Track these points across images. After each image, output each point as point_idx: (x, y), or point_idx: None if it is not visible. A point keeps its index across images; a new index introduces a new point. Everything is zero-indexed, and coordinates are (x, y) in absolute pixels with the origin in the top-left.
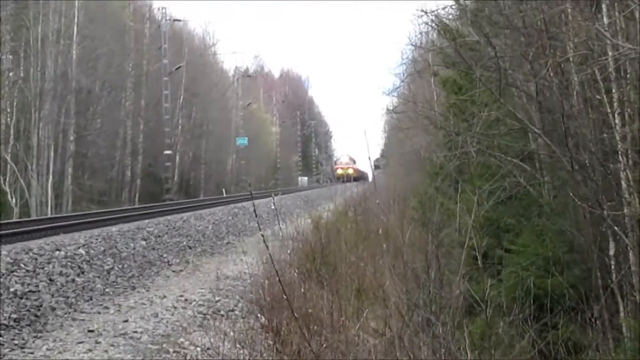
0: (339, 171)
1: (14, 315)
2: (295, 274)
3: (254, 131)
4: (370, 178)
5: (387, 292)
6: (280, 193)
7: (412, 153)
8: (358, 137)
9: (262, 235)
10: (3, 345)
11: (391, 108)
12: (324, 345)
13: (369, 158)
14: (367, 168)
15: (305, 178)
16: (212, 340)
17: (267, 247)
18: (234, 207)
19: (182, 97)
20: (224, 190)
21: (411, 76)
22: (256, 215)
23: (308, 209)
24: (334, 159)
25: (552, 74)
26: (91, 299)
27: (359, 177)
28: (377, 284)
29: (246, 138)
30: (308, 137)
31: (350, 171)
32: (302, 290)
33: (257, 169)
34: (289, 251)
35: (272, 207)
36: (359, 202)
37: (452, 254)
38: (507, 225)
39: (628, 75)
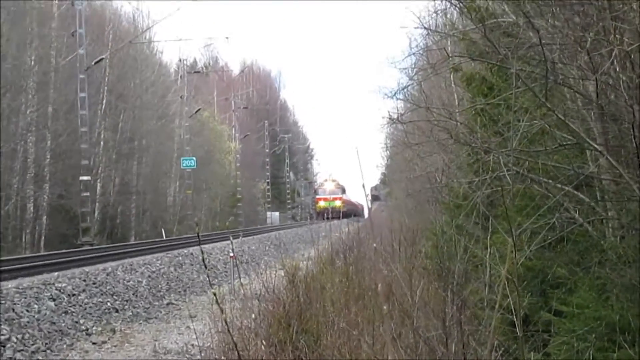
0: (322, 203)
1: None
2: (263, 347)
3: (205, 149)
4: (365, 212)
5: None
6: (241, 235)
7: (425, 178)
8: (349, 156)
9: (215, 294)
10: None
11: (395, 116)
12: None
13: (363, 186)
14: (361, 199)
15: (277, 214)
16: None
17: (221, 310)
18: (177, 254)
19: (104, 102)
20: (163, 231)
21: (423, 72)
22: (206, 267)
23: (280, 257)
24: (315, 186)
25: (618, 69)
26: None
27: (350, 211)
28: None
29: (194, 158)
30: (280, 156)
31: (338, 203)
32: None
33: (210, 202)
34: (253, 315)
35: (231, 254)
36: (351, 246)
37: (481, 319)
38: (557, 278)
39: None
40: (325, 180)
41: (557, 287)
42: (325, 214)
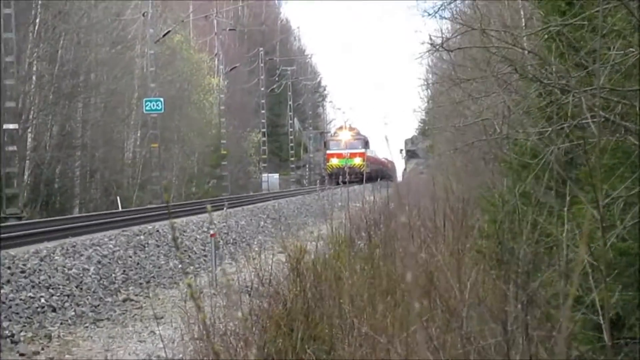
0: (335, 160)
1: None
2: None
3: (178, 86)
4: (399, 174)
5: None
6: (226, 205)
7: (479, 127)
8: (375, 96)
9: (190, 286)
10: None
11: (439, 41)
12: None
13: (386, 138)
14: (392, 155)
15: (276, 176)
16: None
17: (198, 308)
18: (138, 231)
19: (37, 21)
20: (119, 200)
21: None
22: (177, 249)
23: (280, 235)
24: (326, 137)
25: None
26: None
27: (377, 172)
28: None
29: (161, 100)
30: (281, 97)
31: (358, 160)
32: None
33: (184, 159)
34: (242, 315)
35: (211, 231)
36: (377, 221)
37: (555, 321)
38: None
39: None
40: (340, 128)
41: None
42: (341, 177)
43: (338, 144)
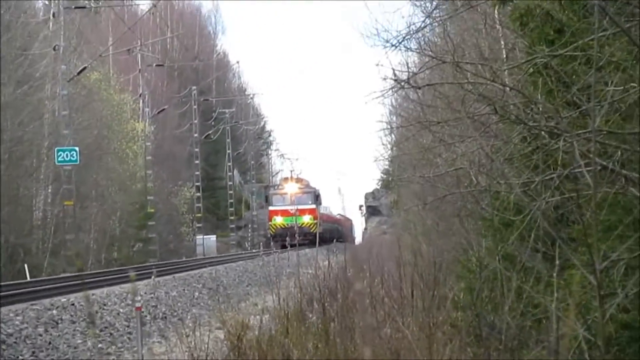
0: (279, 219)
1: None
2: None
3: (96, 133)
4: (358, 235)
5: None
6: (154, 273)
7: (453, 178)
8: (329, 148)
9: None
10: None
11: (405, 76)
12: None
13: (339, 190)
14: (349, 212)
15: (212, 238)
16: None
17: None
18: (51, 304)
19: None
20: (27, 269)
21: (448, 4)
22: (93, 324)
23: (218, 308)
24: (269, 191)
25: None
26: None
27: (331, 232)
28: None
29: (76, 149)
30: (218, 144)
31: (307, 218)
32: None
33: (104, 219)
34: None
35: (137, 303)
36: (333, 289)
37: None
38: None
39: None
40: (286, 179)
41: None
42: (288, 238)
43: (283, 199)
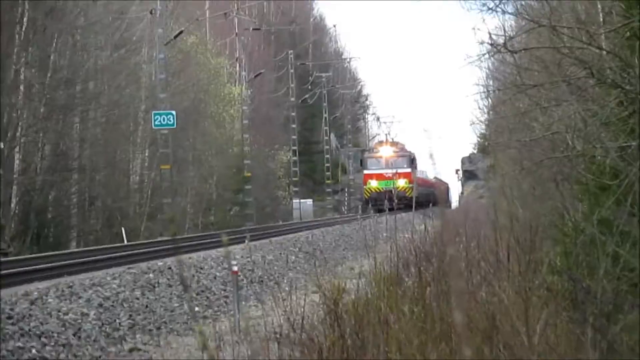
0: (374, 183)
1: None
2: None
3: (192, 97)
4: (454, 198)
5: None
6: (248, 237)
7: (549, 143)
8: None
9: (202, 333)
10: None
11: (501, 40)
12: None
13: (431, 156)
14: (446, 176)
15: (309, 202)
16: None
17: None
18: (147, 268)
19: (25, 20)
20: (124, 232)
21: None
22: (186, 290)
23: (315, 273)
24: (364, 155)
25: None
26: None
27: (427, 196)
28: None
29: (173, 113)
30: (315, 109)
31: (402, 182)
32: None
33: (200, 184)
34: None
35: (233, 267)
36: (429, 254)
37: None
38: None
39: None
40: (381, 142)
41: None
42: (378, 201)
43: (378, 162)
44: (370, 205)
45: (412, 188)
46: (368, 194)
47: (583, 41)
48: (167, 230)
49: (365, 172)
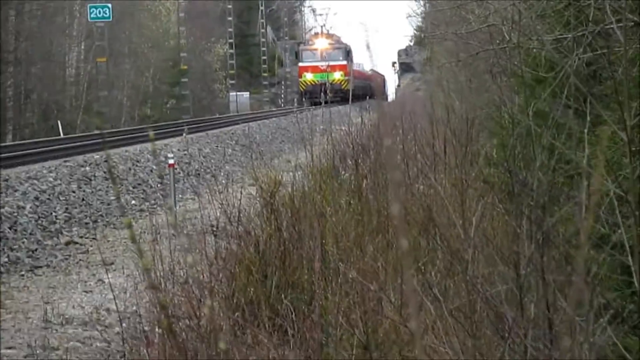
0: (309, 76)
1: None
2: (222, 313)
3: None
4: (390, 91)
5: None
6: (186, 130)
7: (485, 35)
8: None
9: (129, 225)
10: None
11: None
12: None
13: (368, 46)
14: (382, 69)
15: (246, 95)
16: None
17: (139, 252)
18: (84, 161)
19: None
20: (60, 125)
21: None
22: (114, 181)
23: (251, 165)
24: (299, 47)
25: None
26: None
27: (363, 89)
28: (405, 336)
29: (109, 6)
30: (251, 1)
31: (338, 75)
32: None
33: (136, 76)
34: (206, 261)
35: (170, 160)
36: (366, 146)
37: (575, 263)
38: None
39: None
40: (316, 34)
41: None
42: (315, 95)
43: (313, 55)
44: (305, 98)
45: (347, 81)
46: (304, 87)
47: None
48: (105, 123)
49: (301, 64)
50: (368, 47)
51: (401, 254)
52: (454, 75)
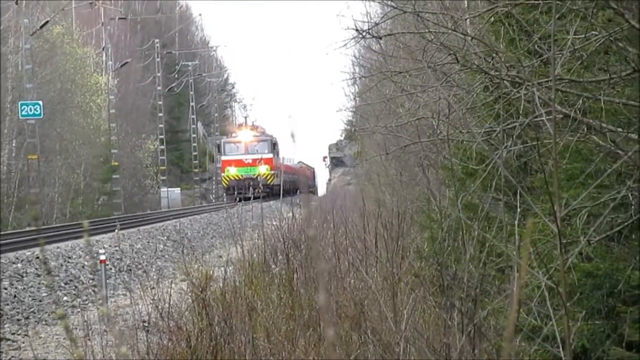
0: (232, 170)
1: None
2: None
3: (59, 87)
4: (321, 185)
5: None
6: (118, 226)
7: (415, 128)
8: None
9: (63, 319)
10: None
11: (366, 26)
12: None
13: (292, 136)
14: (312, 162)
15: (177, 191)
16: None
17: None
18: (15, 258)
19: None
20: None
21: None
22: (49, 272)
23: (183, 261)
24: (221, 140)
25: None
26: None
27: (292, 183)
28: None
29: (40, 103)
30: (182, 97)
31: (264, 169)
32: None
33: (68, 173)
34: (137, 353)
35: (101, 256)
36: (296, 241)
37: (508, 357)
38: (632, 289)
39: None
40: (240, 126)
41: (633, 304)
42: (244, 190)
43: (237, 148)
44: (228, 194)
45: (274, 175)
46: (226, 182)
47: (448, 27)
48: (36, 220)
49: (223, 158)
50: (293, 137)
51: (329, 344)
52: (384, 169)
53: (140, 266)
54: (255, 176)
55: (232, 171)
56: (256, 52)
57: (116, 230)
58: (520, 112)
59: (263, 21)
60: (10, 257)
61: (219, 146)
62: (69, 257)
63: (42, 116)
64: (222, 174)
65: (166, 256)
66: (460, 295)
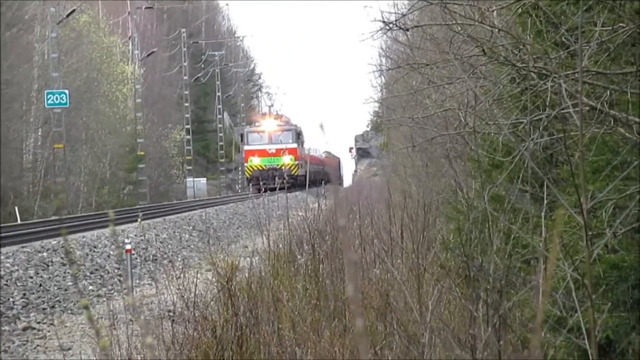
0: (256, 160)
1: None
2: None
3: (85, 76)
4: (346, 176)
5: None
6: (140, 216)
7: (442, 120)
8: (320, 86)
9: (87, 308)
10: None
11: (393, 18)
12: None
13: (321, 126)
14: (338, 152)
15: (203, 180)
16: None
17: (97, 332)
18: (41, 247)
19: None
20: (17, 211)
21: None
22: (72, 263)
23: (209, 251)
24: (245, 129)
25: None
26: None
27: (318, 174)
28: None
29: (66, 92)
30: (208, 87)
31: (287, 159)
32: None
33: (94, 162)
34: (163, 346)
35: (127, 246)
36: (322, 232)
37: (532, 347)
38: None
39: None
40: (263, 115)
41: None
42: (268, 181)
43: (260, 137)
44: (251, 184)
45: (298, 165)
46: (250, 172)
47: (475, 19)
48: (63, 208)
49: (247, 147)
50: (322, 127)
51: (357, 334)
52: (410, 160)
53: (165, 256)
54: (279, 166)
55: (256, 161)
56: (283, 43)
57: (139, 220)
58: (547, 104)
59: (290, 12)
60: (35, 246)
61: (242, 135)
62: (95, 247)
63: (68, 105)
64: (245, 164)
65: (192, 246)
66: (485, 286)
